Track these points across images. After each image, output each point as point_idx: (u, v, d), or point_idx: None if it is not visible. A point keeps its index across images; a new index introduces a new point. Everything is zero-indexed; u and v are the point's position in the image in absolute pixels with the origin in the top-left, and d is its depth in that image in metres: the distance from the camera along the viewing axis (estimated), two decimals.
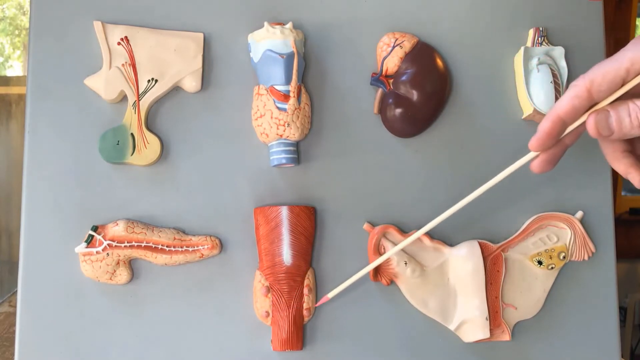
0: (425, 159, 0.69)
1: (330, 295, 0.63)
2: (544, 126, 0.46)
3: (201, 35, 0.66)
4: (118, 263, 0.63)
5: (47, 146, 0.64)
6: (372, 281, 0.66)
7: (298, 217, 0.64)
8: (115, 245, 0.62)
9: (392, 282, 0.66)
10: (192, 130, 0.66)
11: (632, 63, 0.43)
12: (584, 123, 0.46)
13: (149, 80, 0.64)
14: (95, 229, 0.63)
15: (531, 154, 0.49)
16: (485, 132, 0.70)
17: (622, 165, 0.48)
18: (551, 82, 0.67)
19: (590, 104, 0.45)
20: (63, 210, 0.64)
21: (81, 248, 0.62)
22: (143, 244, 0.63)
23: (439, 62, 0.67)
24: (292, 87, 0.63)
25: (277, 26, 0.63)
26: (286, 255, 0.63)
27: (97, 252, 0.62)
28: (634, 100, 0.44)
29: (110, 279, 0.63)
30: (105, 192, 0.65)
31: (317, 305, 0.64)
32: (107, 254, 0.62)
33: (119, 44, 0.64)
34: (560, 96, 0.68)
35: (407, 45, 0.66)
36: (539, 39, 0.69)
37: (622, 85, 0.44)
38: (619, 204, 1.97)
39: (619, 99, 0.45)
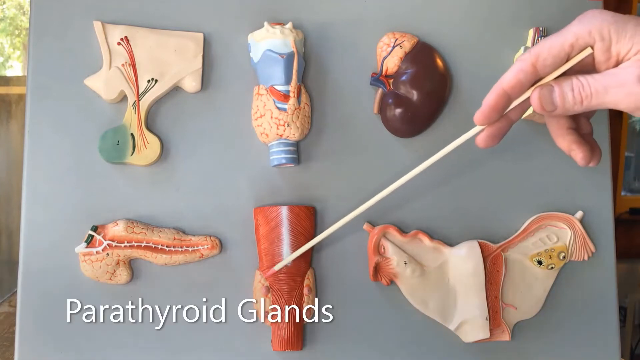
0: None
1: (277, 267, 0.62)
2: (489, 99, 0.46)
3: (201, 35, 0.66)
4: (118, 263, 0.63)
5: (47, 146, 0.64)
6: (372, 281, 0.66)
7: (298, 217, 0.64)
8: (115, 245, 0.62)
9: (392, 282, 0.66)
10: (192, 130, 0.66)
11: (576, 38, 0.44)
12: (529, 98, 0.46)
13: (149, 80, 0.64)
14: (95, 229, 0.63)
15: (476, 128, 0.49)
16: None
17: (566, 142, 0.49)
18: None
19: (535, 79, 0.46)
20: (63, 210, 0.64)
21: (81, 248, 0.62)
22: (143, 244, 0.63)
23: (439, 62, 0.67)
24: (292, 87, 0.63)
25: (277, 26, 0.63)
26: (286, 255, 0.63)
27: (97, 252, 0.62)
28: (578, 76, 0.44)
29: (110, 279, 0.63)
30: (105, 192, 0.65)
31: (268, 275, 0.63)
32: (107, 254, 0.62)
33: (119, 44, 0.64)
34: None
35: (407, 45, 0.66)
36: (539, 39, 0.69)
37: (567, 60, 0.45)
38: (619, 204, 1.97)
39: (564, 75, 0.45)
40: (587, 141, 0.49)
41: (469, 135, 0.50)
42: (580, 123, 0.50)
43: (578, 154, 0.48)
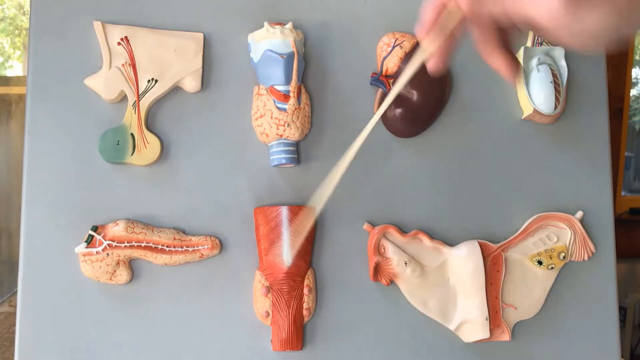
0: (425, 159, 0.69)
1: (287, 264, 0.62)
2: (427, 13, 0.46)
3: (201, 35, 0.66)
4: (118, 263, 0.63)
5: (47, 146, 0.64)
6: (372, 281, 0.66)
7: (298, 217, 0.64)
8: (115, 245, 0.62)
9: (392, 282, 0.66)
10: (192, 130, 0.66)
11: None
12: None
13: (149, 80, 0.64)
14: (95, 229, 0.63)
15: (424, 52, 0.49)
16: (485, 132, 0.70)
17: (494, 58, 0.48)
18: (551, 82, 0.67)
19: None
20: (63, 210, 0.64)
21: (81, 248, 0.62)
22: (143, 244, 0.63)
23: None
24: (292, 87, 0.63)
25: (277, 26, 0.63)
26: (286, 255, 0.63)
27: (97, 252, 0.62)
28: None
29: (110, 279, 0.63)
30: (105, 192, 0.65)
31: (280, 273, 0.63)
32: (107, 254, 0.62)
33: (119, 44, 0.64)
34: (560, 96, 0.68)
35: (407, 45, 0.66)
36: (539, 39, 0.69)
37: None
38: (619, 204, 1.96)
39: None
40: (510, 54, 0.48)
41: (418, 61, 0.49)
42: (507, 39, 0.49)
43: (505, 69, 0.48)
